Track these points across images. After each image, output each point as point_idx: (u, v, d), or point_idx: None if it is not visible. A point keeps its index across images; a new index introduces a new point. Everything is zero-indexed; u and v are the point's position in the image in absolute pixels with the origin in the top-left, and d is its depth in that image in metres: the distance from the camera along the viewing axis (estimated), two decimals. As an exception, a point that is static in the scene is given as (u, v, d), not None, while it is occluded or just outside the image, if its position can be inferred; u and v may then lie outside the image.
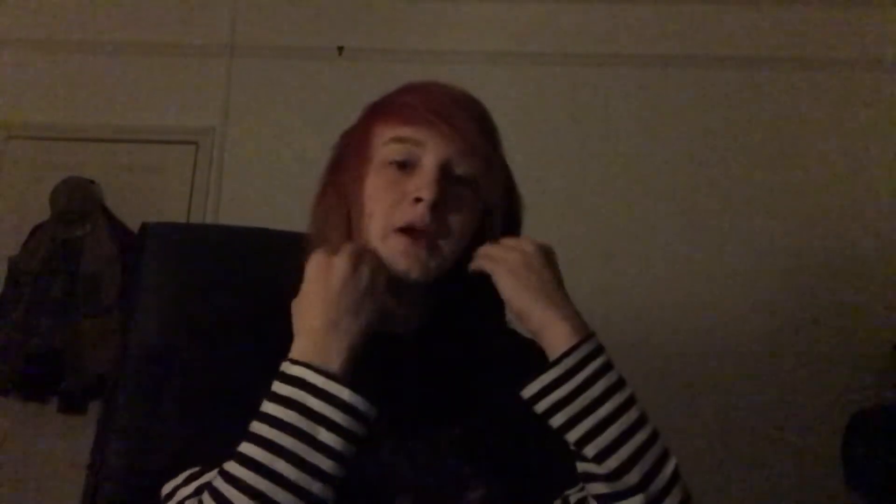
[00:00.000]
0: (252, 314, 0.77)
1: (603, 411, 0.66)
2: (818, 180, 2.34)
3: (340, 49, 2.50)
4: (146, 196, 2.44)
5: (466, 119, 0.76)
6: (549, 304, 0.71)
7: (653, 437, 0.68)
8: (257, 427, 0.62)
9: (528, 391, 0.67)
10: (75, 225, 2.34)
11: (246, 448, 0.61)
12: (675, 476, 0.69)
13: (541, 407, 0.67)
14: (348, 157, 0.81)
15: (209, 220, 2.39)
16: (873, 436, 1.95)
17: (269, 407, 0.63)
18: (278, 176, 2.40)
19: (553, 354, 0.69)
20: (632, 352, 2.19)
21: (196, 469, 0.66)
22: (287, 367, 0.64)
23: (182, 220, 2.40)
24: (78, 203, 2.35)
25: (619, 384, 0.69)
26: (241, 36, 2.54)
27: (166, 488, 0.67)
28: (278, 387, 0.63)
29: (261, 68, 2.52)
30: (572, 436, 0.66)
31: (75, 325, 2.24)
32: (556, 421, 0.66)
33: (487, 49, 2.48)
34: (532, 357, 0.83)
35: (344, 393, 0.62)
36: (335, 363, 0.64)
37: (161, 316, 0.90)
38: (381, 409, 0.66)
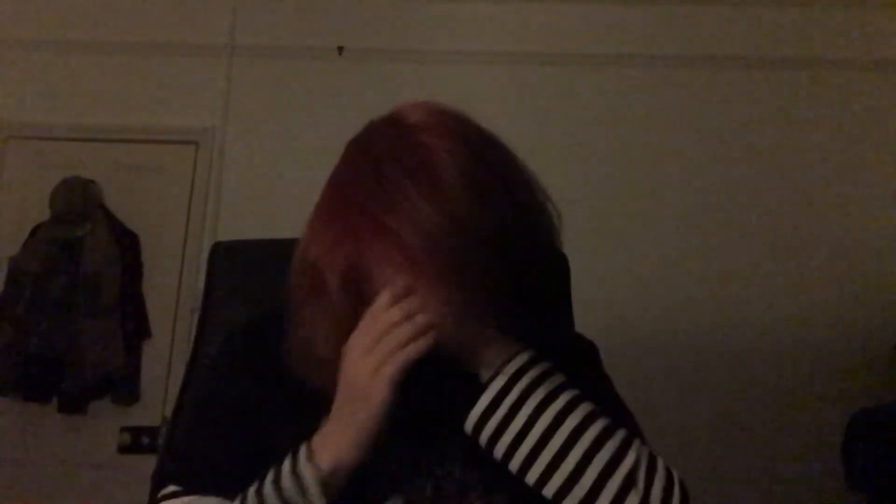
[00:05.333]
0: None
1: (532, 438, 0.64)
2: (818, 180, 2.34)
3: (340, 49, 2.50)
4: (146, 196, 2.44)
5: (470, 257, 0.64)
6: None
7: (596, 444, 0.64)
8: (252, 499, 0.64)
9: (467, 427, 0.66)
10: (75, 225, 2.34)
11: None
12: (632, 473, 0.64)
13: (482, 441, 0.66)
14: (352, 183, 0.72)
15: (209, 220, 2.39)
16: (873, 436, 1.95)
17: (269, 488, 0.64)
18: (278, 176, 2.40)
19: (483, 378, 0.68)
20: (632, 352, 2.20)
21: (175, 489, 0.69)
22: (304, 461, 0.64)
23: (182, 219, 2.41)
24: (78, 203, 2.35)
25: (550, 397, 0.65)
26: (241, 36, 2.54)
27: (159, 495, 0.70)
28: (287, 472, 0.64)
29: (261, 68, 2.52)
30: (513, 466, 0.65)
31: (75, 325, 2.24)
32: (497, 453, 0.65)
33: (487, 49, 2.48)
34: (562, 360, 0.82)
35: None
36: (346, 477, 0.65)
37: (227, 329, 0.94)
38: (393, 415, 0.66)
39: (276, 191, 2.37)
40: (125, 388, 2.26)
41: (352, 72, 2.46)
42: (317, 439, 0.65)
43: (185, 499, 0.67)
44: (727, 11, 2.45)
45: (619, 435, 0.66)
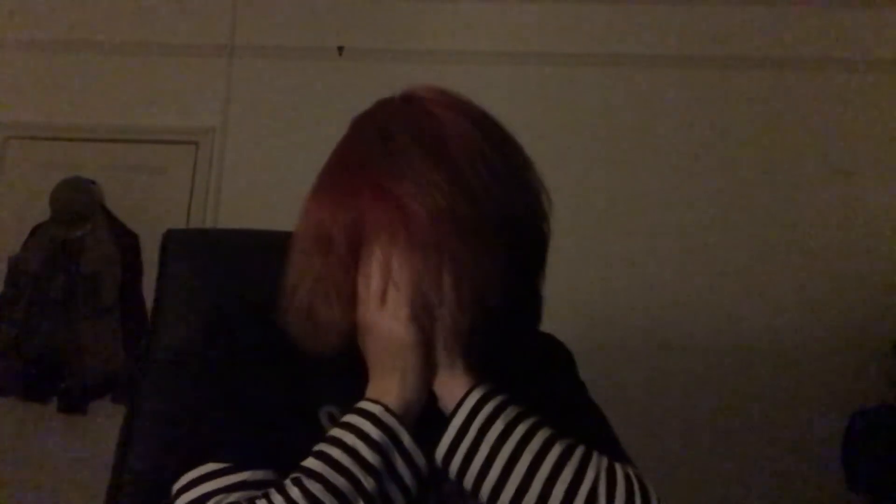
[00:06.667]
0: (268, 318, 0.76)
1: (495, 471, 0.65)
2: (818, 179, 2.34)
3: (340, 49, 2.50)
4: (146, 196, 2.44)
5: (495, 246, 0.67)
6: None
7: (555, 471, 0.65)
8: (343, 458, 0.63)
9: (437, 459, 0.68)
10: (75, 225, 2.34)
11: (333, 476, 0.62)
12: (594, 491, 0.65)
13: (452, 475, 0.67)
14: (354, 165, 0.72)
15: (209, 219, 2.39)
16: (873, 436, 1.95)
17: (357, 444, 0.63)
18: (278, 176, 2.40)
19: (446, 409, 0.69)
20: (632, 352, 2.20)
21: (221, 466, 0.65)
22: (381, 413, 0.65)
23: (182, 219, 2.41)
24: (78, 203, 2.35)
25: (508, 430, 0.66)
26: (241, 36, 2.54)
27: (182, 480, 0.66)
28: (370, 428, 0.64)
29: (261, 68, 2.52)
30: (482, 498, 0.66)
31: (75, 325, 2.24)
32: (467, 485, 0.67)
33: (487, 49, 2.48)
34: (546, 360, 0.82)
35: (421, 461, 0.65)
36: (414, 419, 0.67)
37: (184, 320, 0.92)
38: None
39: (276, 191, 2.36)
40: (125, 388, 2.26)
41: (352, 72, 2.46)
42: (374, 394, 0.67)
43: (243, 474, 0.64)
44: (727, 11, 2.45)
45: (577, 455, 0.67)
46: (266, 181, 2.41)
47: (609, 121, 2.42)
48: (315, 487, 0.61)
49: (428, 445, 0.67)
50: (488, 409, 0.67)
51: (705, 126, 2.39)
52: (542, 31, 2.50)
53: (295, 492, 0.60)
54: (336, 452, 0.63)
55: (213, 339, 0.78)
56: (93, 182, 2.41)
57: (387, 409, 0.65)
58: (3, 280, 2.32)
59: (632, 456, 0.74)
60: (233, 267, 0.96)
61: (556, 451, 0.66)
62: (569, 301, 2.15)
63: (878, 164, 2.34)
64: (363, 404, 0.66)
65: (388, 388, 0.66)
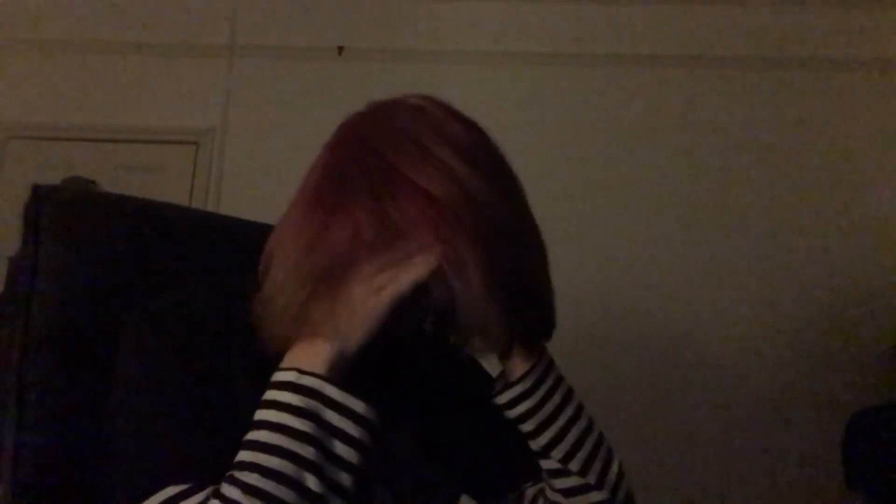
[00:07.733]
0: (204, 305, 0.70)
1: (562, 420, 0.75)
2: (818, 179, 2.34)
3: (340, 49, 2.50)
4: (146, 196, 2.43)
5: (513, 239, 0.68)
6: None
7: (600, 440, 0.78)
8: (271, 437, 0.58)
9: (501, 399, 0.75)
10: (75, 225, 2.34)
11: (267, 460, 0.57)
12: (622, 473, 0.78)
13: (512, 414, 0.75)
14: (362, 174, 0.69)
15: (209, 220, 2.40)
16: (873, 436, 1.95)
17: (283, 418, 0.59)
18: (278, 176, 2.39)
19: (515, 371, 0.76)
20: (631, 351, 2.20)
21: (181, 489, 0.59)
22: (297, 377, 0.61)
23: (182, 220, 2.41)
24: (78, 203, 2.35)
25: (569, 395, 0.77)
26: (241, 36, 2.54)
27: None
28: (290, 397, 0.60)
29: (261, 68, 2.52)
30: (540, 441, 0.75)
31: (75, 325, 2.24)
32: (526, 427, 0.75)
33: (487, 49, 2.48)
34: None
35: (357, 405, 0.61)
36: (342, 373, 0.63)
37: (70, 301, 0.77)
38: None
39: (276, 191, 2.36)
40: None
41: (352, 72, 2.46)
42: (286, 362, 0.63)
43: (203, 492, 0.59)
44: (727, 11, 2.45)
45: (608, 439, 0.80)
46: (266, 181, 2.40)
47: (609, 121, 2.41)
48: (252, 478, 0.56)
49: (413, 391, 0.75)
50: (553, 375, 0.77)
51: (704, 126, 2.39)
52: (542, 31, 2.50)
53: (234, 491, 0.56)
54: (263, 435, 0.59)
55: (137, 325, 0.69)
56: (93, 182, 2.40)
57: (301, 371, 0.61)
58: (3, 280, 2.32)
59: (629, 456, 0.83)
60: (125, 238, 0.84)
61: (597, 429, 0.78)
62: (567, 300, 2.14)
63: (879, 164, 2.34)
64: (276, 376, 0.62)
65: (300, 356, 0.63)
